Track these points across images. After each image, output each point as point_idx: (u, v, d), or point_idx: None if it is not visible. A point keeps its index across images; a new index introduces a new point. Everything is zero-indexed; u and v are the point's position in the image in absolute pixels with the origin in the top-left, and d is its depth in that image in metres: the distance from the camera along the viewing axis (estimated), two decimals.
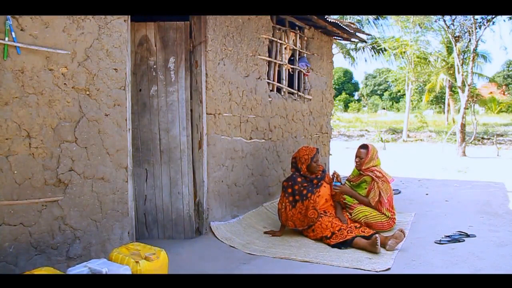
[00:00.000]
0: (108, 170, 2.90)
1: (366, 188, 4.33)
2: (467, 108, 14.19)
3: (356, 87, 49.66)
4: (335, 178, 4.13)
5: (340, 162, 7.91)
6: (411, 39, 17.54)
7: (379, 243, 3.46)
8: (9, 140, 2.32)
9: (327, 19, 5.47)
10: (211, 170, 3.98)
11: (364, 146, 4.41)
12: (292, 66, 5.56)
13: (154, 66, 3.77)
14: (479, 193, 6.27)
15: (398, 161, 10.78)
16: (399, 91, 29.81)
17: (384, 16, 17.86)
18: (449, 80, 21.12)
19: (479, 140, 16.80)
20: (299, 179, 4.08)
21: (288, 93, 5.56)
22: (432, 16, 14.82)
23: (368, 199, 4.23)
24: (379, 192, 4.18)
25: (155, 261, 2.37)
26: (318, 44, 6.26)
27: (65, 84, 2.59)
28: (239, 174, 4.45)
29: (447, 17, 13.03)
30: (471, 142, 15.42)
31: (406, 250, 3.57)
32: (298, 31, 5.66)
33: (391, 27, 22.26)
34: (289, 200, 3.99)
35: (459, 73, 13.04)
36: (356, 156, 4.40)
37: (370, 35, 14.20)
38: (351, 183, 4.52)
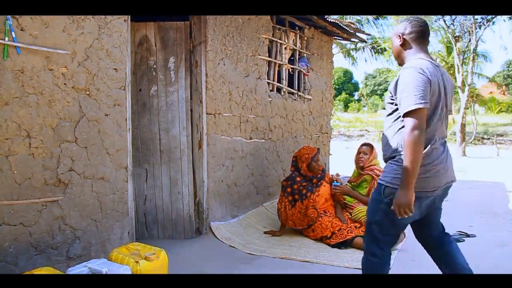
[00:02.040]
0: (108, 170, 2.90)
1: (366, 187, 4.32)
2: (467, 108, 14.21)
3: (356, 87, 49.64)
4: (334, 180, 4.13)
5: (340, 162, 7.90)
6: None
7: None
8: (9, 140, 2.32)
9: (327, 19, 5.47)
10: (211, 170, 3.98)
11: (367, 144, 4.40)
12: (292, 66, 5.56)
13: (154, 66, 3.77)
14: (479, 193, 6.27)
15: None
16: None
17: (384, 16, 17.85)
18: None
19: (479, 140, 16.82)
20: (298, 179, 4.08)
21: (288, 93, 5.56)
22: (432, 16, 14.82)
23: (369, 198, 4.22)
24: None
25: (155, 261, 2.38)
26: (318, 44, 6.26)
27: (65, 84, 2.59)
28: (239, 174, 4.45)
29: (447, 17, 13.04)
30: (471, 142, 15.43)
31: (406, 250, 3.57)
32: (298, 31, 5.65)
33: (391, 27, 22.21)
34: (288, 200, 3.99)
35: (459, 73, 13.05)
36: (360, 153, 4.34)
37: (370, 35, 14.20)
38: (352, 183, 4.51)
